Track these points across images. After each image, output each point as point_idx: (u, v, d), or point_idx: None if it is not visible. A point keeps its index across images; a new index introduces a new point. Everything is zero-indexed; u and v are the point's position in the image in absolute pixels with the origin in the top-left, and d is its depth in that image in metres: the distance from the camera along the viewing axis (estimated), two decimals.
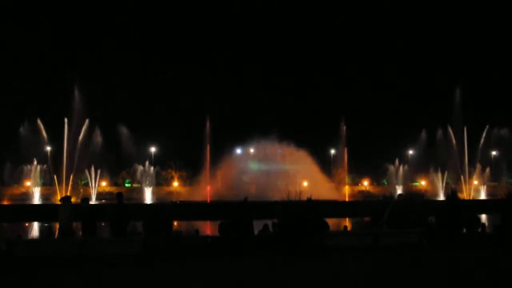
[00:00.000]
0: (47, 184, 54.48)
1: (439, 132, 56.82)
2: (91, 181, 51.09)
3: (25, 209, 38.33)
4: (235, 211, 15.07)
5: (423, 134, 60.22)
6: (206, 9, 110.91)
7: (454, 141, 55.69)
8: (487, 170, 58.06)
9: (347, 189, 60.52)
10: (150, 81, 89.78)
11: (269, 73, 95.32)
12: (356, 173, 69.57)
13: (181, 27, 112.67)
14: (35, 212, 35.35)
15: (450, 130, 56.09)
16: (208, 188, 56.01)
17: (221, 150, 59.17)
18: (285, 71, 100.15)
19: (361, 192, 64.74)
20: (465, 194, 53.41)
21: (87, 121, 47.73)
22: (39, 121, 48.75)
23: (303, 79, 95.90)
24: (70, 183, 47.75)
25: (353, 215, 30.46)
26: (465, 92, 56.02)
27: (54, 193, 47.69)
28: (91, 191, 49.66)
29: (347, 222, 27.67)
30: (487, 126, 57.61)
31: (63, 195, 45.87)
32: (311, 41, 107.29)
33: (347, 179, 64.23)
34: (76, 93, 47.06)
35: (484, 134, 57.84)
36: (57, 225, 15.27)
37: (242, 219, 14.65)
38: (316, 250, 13.82)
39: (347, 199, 55.08)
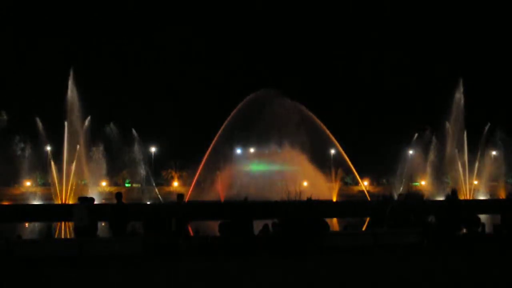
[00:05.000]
0: (47, 184, 54.43)
1: (439, 132, 56.76)
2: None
3: (25, 209, 38.26)
4: (235, 211, 15.06)
5: (423, 134, 60.16)
6: (208, 7, 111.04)
7: (454, 141, 55.59)
8: (488, 170, 57.98)
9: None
10: (151, 81, 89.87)
11: (270, 73, 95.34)
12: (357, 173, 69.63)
13: (183, 27, 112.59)
14: (35, 212, 35.30)
15: (450, 129, 56.02)
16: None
17: (221, 150, 59.11)
18: (286, 72, 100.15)
19: (361, 191, 64.73)
20: (465, 194, 53.36)
21: (87, 120, 47.68)
22: (38, 121, 48.69)
23: (302, 78, 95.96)
24: (70, 183, 47.64)
25: (353, 215, 30.38)
26: (465, 91, 55.98)
27: (54, 193, 47.60)
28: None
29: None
30: (488, 126, 57.57)
31: (63, 195, 45.93)
32: (310, 41, 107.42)
33: (345, 179, 64.11)
34: (76, 92, 46.98)
35: (484, 134, 57.80)
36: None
37: (242, 219, 14.63)
38: (316, 250, 13.81)
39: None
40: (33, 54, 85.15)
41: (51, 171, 47.38)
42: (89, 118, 47.92)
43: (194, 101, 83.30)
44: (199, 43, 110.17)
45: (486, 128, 57.54)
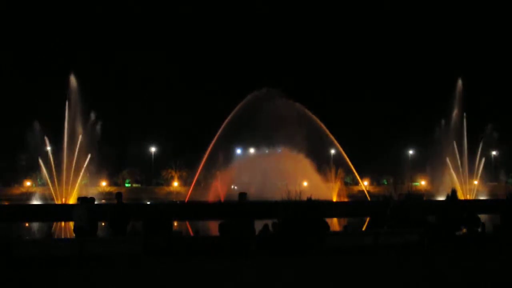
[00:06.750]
0: (46, 184, 54.37)
1: (439, 132, 56.76)
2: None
3: (25, 209, 38.23)
4: (235, 211, 15.04)
5: (423, 134, 60.21)
6: (208, 7, 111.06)
7: (453, 141, 55.59)
8: (487, 170, 57.99)
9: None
10: (151, 81, 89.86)
11: (270, 73, 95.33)
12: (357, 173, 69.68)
13: (183, 27, 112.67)
14: (35, 212, 35.28)
15: (450, 129, 56.03)
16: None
17: (221, 150, 59.11)
18: (286, 72, 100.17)
19: (361, 191, 64.74)
20: (465, 194, 53.38)
21: (87, 121, 47.69)
22: (37, 121, 48.67)
23: (301, 79, 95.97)
24: (70, 183, 47.61)
25: (353, 215, 30.40)
26: (465, 91, 55.97)
27: (54, 193, 47.57)
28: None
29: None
30: (488, 125, 57.57)
31: (63, 195, 45.91)
32: (309, 41, 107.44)
33: (345, 179, 64.01)
34: (76, 92, 46.96)
35: (484, 133, 57.78)
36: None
37: (242, 219, 14.62)
38: (317, 251, 13.81)
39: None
40: (33, 54, 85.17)
41: (51, 171, 47.36)
42: (89, 118, 47.94)
43: (194, 101, 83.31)
44: (199, 43, 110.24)
45: (487, 127, 57.57)
